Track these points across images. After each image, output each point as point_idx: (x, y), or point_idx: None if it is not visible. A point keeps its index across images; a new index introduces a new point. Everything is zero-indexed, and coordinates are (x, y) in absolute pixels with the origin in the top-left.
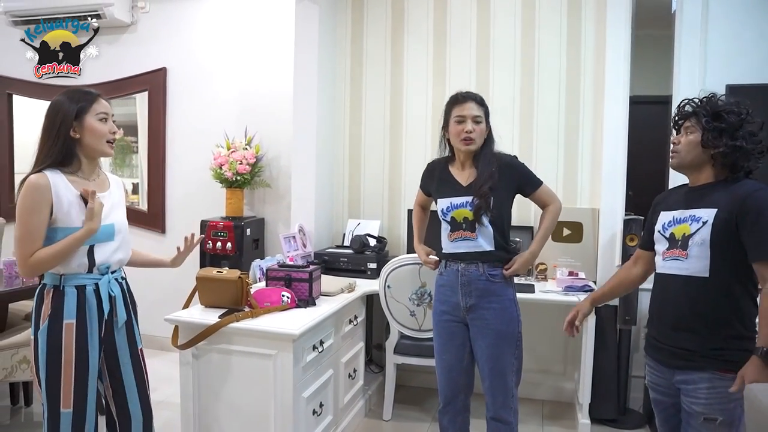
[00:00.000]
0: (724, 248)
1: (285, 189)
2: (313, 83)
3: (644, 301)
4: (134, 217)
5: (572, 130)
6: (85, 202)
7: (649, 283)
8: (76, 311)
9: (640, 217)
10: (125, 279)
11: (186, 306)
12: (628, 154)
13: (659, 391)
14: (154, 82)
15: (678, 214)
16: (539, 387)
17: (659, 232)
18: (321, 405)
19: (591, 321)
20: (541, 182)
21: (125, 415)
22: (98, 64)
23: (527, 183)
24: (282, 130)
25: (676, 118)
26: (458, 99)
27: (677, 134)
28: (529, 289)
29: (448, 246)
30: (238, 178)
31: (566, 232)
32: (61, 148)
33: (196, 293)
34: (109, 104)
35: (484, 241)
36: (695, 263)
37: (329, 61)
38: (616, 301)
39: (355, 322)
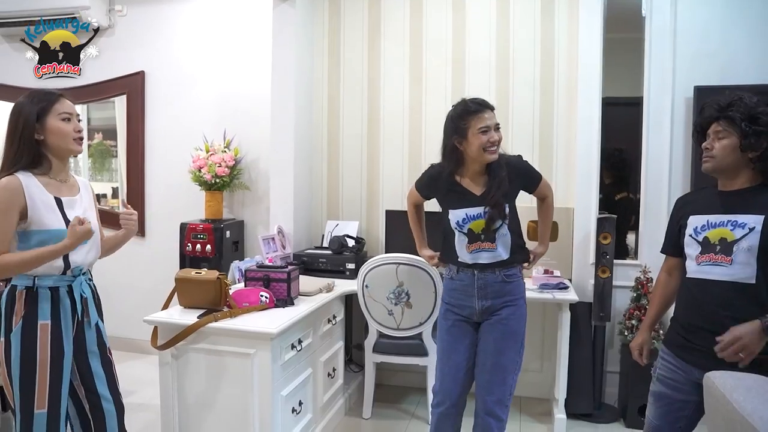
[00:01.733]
0: None
1: (264, 191)
2: (291, 86)
3: (618, 298)
4: (114, 220)
5: (546, 131)
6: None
7: (623, 281)
8: (50, 312)
9: (613, 215)
10: (92, 280)
11: (165, 307)
12: (601, 154)
13: (672, 387)
14: (132, 86)
15: (713, 218)
16: (516, 383)
17: (691, 236)
18: (300, 403)
19: (566, 318)
20: (541, 176)
21: (99, 412)
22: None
23: (531, 182)
24: (261, 132)
25: (701, 122)
26: (476, 108)
27: (704, 139)
28: None
29: (466, 257)
30: (217, 180)
31: None
32: (29, 151)
33: (175, 294)
34: (72, 103)
35: (503, 250)
36: (741, 269)
37: (307, 63)
38: (590, 298)
39: (333, 322)
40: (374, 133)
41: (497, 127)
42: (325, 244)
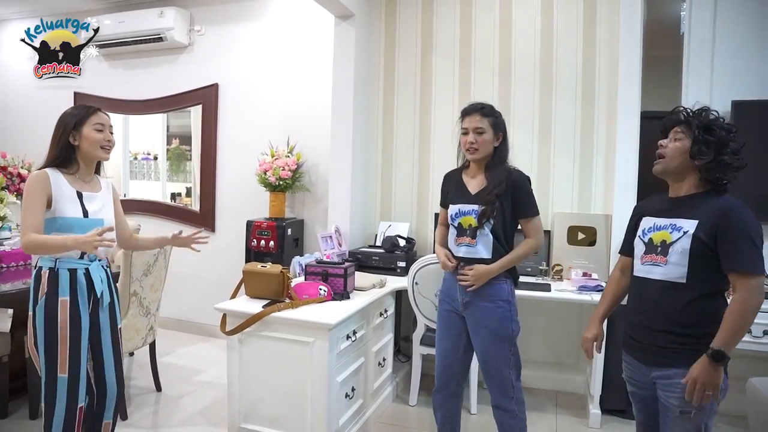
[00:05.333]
0: (701, 257)
1: (323, 193)
2: (349, 97)
3: None
4: (187, 217)
5: (587, 142)
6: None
7: None
8: (69, 290)
9: None
10: (109, 267)
11: (233, 296)
12: (639, 165)
13: (636, 385)
14: (207, 97)
15: (659, 221)
16: (553, 379)
17: (639, 236)
18: (353, 389)
19: None
20: (537, 214)
21: (102, 384)
22: (159, 81)
23: (524, 206)
24: (321, 139)
25: (667, 123)
26: (465, 111)
27: (665, 138)
28: (546, 288)
29: (453, 248)
30: (281, 182)
31: (581, 236)
32: (62, 152)
33: (242, 285)
34: (109, 118)
35: (482, 249)
36: (673, 269)
37: (364, 76)
38: (626, 300)
39: (385, 315)
40: (425, 141)
41: (478, 131)
42: (378, 243)
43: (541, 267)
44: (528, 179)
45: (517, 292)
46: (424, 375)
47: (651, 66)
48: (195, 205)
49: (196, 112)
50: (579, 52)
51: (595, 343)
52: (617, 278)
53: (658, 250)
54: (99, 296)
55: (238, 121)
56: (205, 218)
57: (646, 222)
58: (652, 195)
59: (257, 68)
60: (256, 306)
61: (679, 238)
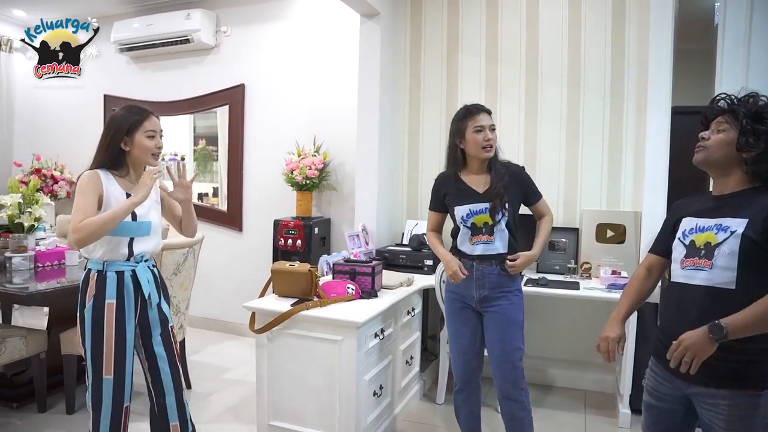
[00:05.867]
0: (752, 259)
1: (349, 192)
2: (375, 96)
3: None
4: (215, 216)
5: (616, 138)
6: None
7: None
8: (116, 293)
9: None
10: (156, 266)
11: (261, 295)
12: (669, 161)
13: (659, 398)
14: (233, 97)
15: (703, 222)
16: (582, 378)
17: (679, 239)
18: (381, 387)
19: (633, 318)
20: (541, 195)
21: (159, 385)
22: (186, 83)
23: (532, 193)
24: (347, 138)
25: (708, 113)
26: (472, 111)
27: (706, 130)
28: (574, 286)
29: (467, 248)
30: (308, 182)
31: (609, 233)
32: (114, 156)
33: (271, 284)
34: (159, 121)
35: (500, 244)
36: (720, 274)
37: (390, 75)
38: (656, 299)
39: (412, 314)
40: None
41: (492, 128)
42: (405, 242)
43: (569, 265)
44: (523, 168)
45: (545, 290)
46: (451, 374)
47: (682, 60)
48: (222, 205)
49: (222, 113)
50: (608, 47)
51: (618, 344)
52: (643, 278)
53: (701, 253)
54: (147, 297)
55: (265, 121)
56: (232, 218)
57: (688, 223)
58: (692, 194)
59: (283, 68)
60: (284, 304)
61: (726, 239)
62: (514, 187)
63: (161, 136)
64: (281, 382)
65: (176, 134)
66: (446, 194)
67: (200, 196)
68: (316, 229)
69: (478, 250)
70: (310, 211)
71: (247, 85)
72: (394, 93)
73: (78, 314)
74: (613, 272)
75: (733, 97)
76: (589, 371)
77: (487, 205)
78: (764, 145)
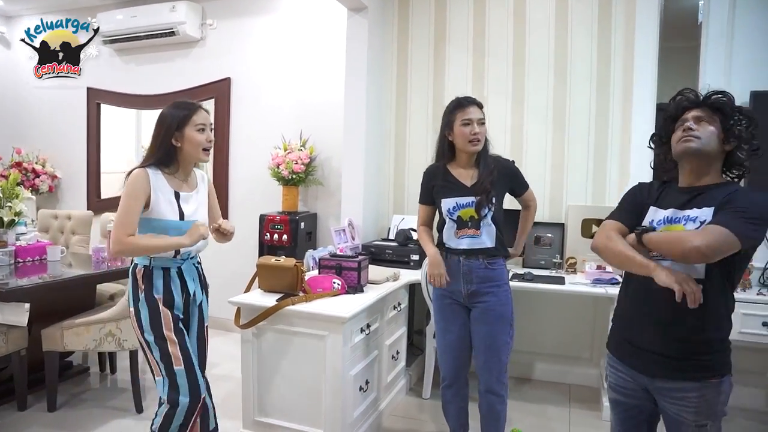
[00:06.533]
0: None
1: (336, 187)
2: (362, 90)
3: None
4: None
5: (601, 134)
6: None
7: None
8: (162, 288)
9: None
10: (200, 263)
11: (247, 290)
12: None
13: (624, 393)
14: (219, 91)
15: (673, 213)
16: (567, 372)
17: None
18: (367, 382)
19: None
20: (528, 185)
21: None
22: (171, 76)
23: (519, 185)
24: (334, 133)
25: (676, 106)
26: (462, 103)
27: (672, 126)
28: (560, 281)
29: (453, 242)
30: (294, 176)
31: (595, 229)
32: (164, 153)
33: (256, 279)
34: (208, 114)
35: (487, 238)
36: (692, 265)
37: (377, 69)
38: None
39: (398, 308)
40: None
41: (480, 122)
42: (391, 237)
43: (554, 260)
44: (513, 162)
45: (531, 285)
46: (437, 368)
47: (667, 57)
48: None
49: (208, 107)
50: (594, 42)
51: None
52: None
53: None
54: (191, 294)
55: (251, 115)
56: None
57: (655, 214)
58: (652, 182)
59: (270, 62)
60: (270, 300)
61: (695, 229)
62: (502, 182)
63: (211, 129)
64: (267, 378)
65: None
66: (435, 186)
67: None
68: (302, 224)
69: (464, 244)
70: (296, 205)
71: (233, 78)
72: (381, 87)
73: (132, 308)
74: (598, 267)
75: (700, 92)
76: (574, 365)
77: (473, 198)
78: (744, 137)
